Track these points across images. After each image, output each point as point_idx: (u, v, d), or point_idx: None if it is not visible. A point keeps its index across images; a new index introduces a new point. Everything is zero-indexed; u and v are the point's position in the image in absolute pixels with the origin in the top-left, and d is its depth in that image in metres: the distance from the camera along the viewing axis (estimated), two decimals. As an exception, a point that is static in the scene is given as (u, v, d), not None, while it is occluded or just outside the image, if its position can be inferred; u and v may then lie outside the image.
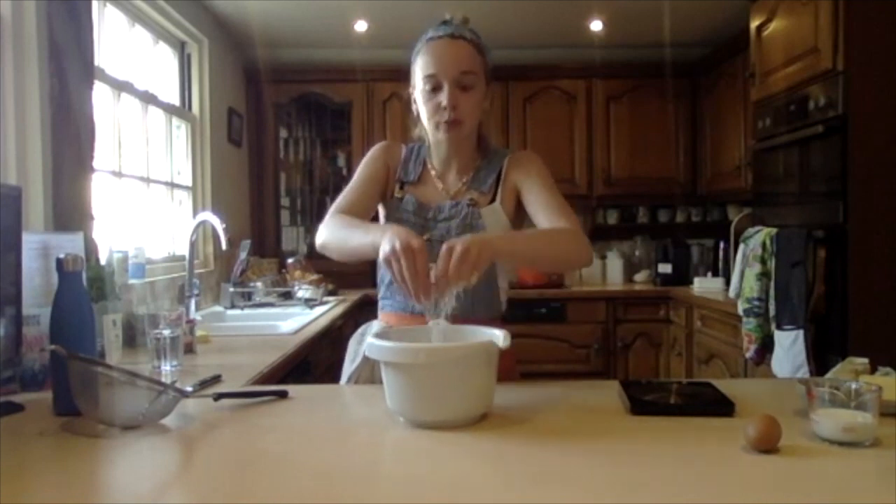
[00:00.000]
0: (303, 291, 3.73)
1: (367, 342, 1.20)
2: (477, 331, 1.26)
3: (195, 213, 3.66)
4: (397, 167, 1.62)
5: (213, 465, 1.03)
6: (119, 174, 2.89)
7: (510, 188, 1.56)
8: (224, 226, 2.86)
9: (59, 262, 1.30)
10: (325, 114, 4.71)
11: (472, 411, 1.16)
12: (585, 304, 4.28)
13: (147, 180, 3.23)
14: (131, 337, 2.21)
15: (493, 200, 1.55)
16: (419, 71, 1.51)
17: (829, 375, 1.36)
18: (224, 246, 2.87)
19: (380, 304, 1.64)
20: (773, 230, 2.84)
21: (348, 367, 1.64)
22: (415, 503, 0.87)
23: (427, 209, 1.55)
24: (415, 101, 1.57)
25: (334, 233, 1.44)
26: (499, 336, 1.18)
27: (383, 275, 1.58)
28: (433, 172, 1.60)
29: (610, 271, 4.74)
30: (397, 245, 1.17)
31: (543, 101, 4.59)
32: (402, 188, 1.60)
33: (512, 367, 1.56)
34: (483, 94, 1.53)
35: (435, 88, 1.49)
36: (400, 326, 1.52)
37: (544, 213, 1.49)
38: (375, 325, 1.62)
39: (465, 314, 1.46)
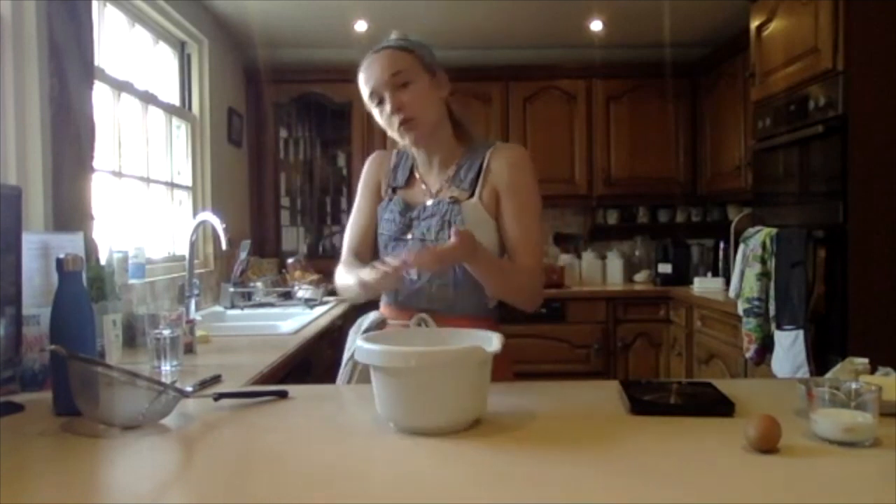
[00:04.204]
0: (303, 291, 3.74)
1: (356, 344, 1.19)
2: (470, 334, 1.25)
3: (195, 213, 3.65)
4: (388, 175, 1.68)
5: (213, 465, 1.03)
6: (119, 174, 2.89)
7: (490, 187, 1.56)
8: (224, 226, 2.86)
9: (59, 262, 1.30)
10: (325, 114, 4.71)
11: (465, 416, 1.14)
12: (585, 304, 4.28)
13: (147, 180, 3.23)
14: (131, 337, 2.21)
15: (472, 196, 1.56)
16: (363, 94, 1.57)
17: (829, 375, 1.36)
18: (224, 246, 2.87)
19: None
20: (773, 230, 2.84)
21: (346, 358, 1.67)
22: (412, 503, 0.87)
23: (411, 209, 1.60)
24: None
25: (341, 282, 1.62)
26: (491, 339, 1.18)
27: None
28: (418, 175, 1.65)
29: (610, 271, 4.73)
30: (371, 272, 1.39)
31: (543, 101, 4.59)
32: (393, 192, 1.66)
33: (506, 367, 1.55)
34: (427, 85, 1.54)
35: (380, 102, 1.54)
36: (392, 323, 1.58)
37: (511, 242, 1.54)
38: (371, 316, 1.65)
39: (451, 311, 1.48)
